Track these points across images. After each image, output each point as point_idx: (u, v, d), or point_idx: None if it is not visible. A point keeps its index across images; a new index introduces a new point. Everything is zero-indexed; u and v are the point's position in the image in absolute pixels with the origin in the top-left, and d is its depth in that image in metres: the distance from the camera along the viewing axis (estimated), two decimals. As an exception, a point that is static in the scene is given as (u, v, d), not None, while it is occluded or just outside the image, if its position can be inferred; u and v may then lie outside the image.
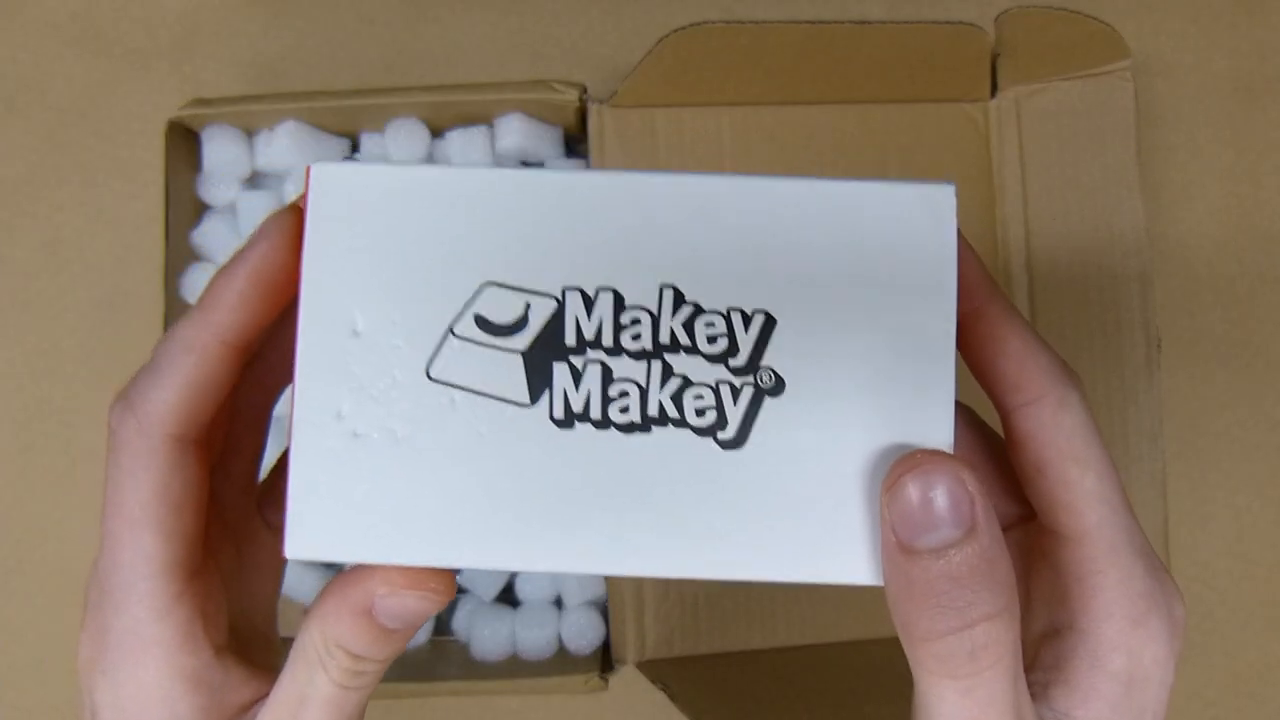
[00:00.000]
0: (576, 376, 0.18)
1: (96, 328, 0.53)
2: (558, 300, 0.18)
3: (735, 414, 0.18)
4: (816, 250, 0.17)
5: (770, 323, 0.18)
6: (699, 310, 0.18)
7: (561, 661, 0.48)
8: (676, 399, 0.18)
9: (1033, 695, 0.19)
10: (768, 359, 0.18)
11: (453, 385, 0.18)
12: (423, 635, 0.49)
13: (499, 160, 0.48)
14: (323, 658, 0.18)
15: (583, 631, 0.48)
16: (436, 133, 0.49)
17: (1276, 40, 0.56)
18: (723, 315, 0.18)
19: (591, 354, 0.18)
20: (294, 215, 0.19)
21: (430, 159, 0.49)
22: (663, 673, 0.45)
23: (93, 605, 0.21)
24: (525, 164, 0.50)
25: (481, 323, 0.17)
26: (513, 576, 0.50)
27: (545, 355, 0.18)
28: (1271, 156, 0.55)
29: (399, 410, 0.18)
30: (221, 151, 0.48)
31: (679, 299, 0.18)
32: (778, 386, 0.18)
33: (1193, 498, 0.54)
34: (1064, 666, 0.19)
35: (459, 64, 0.54)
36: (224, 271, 0.20)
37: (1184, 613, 0.19)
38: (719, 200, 0.17)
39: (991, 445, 0.23)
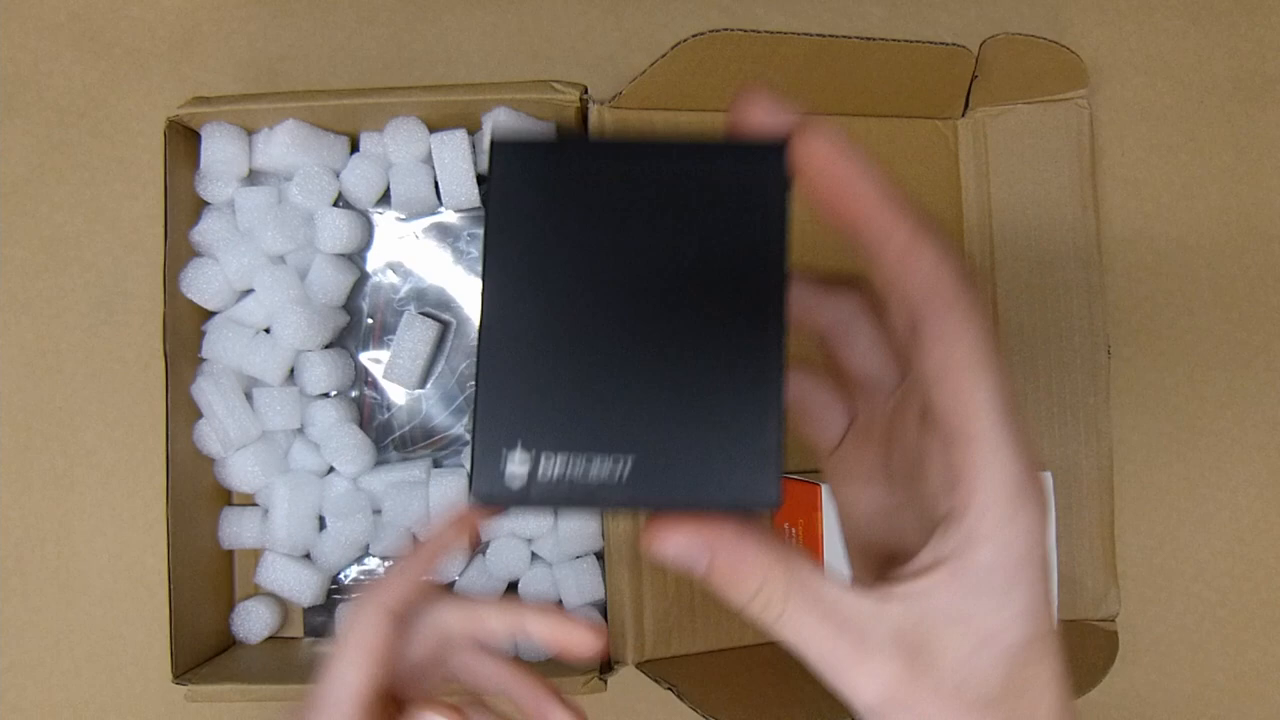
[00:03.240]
0: None
1: (96, 328, 0.53)
2: None
3: None
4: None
5: None
6: None
7: (561, 662, 0.48)
8: None
9: (900, 579, 0.22)
10: None
11: None
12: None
13: (485, 155, 0.48)
14: None
15: (582, 631, 0.48)
16: (436, 132, 0.49)
17: (1276, 40, 0.56)
18: None
19: None
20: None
21: (429, 159, 0.49)
22: (664, 671, 0.45)
23: (307, 709, 0.30)
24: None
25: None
26: (515, 580, 0.50)
27: None
28: (1271, 156, 0.55)
29: None
30: (219, 149, 0.48)
31: None
32: None
33: (1192, 498, 0.54)
34: (943, 552, 0.22)
35: (459, 64, 0.54)
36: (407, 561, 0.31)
37: (1047, 501, 0.23)
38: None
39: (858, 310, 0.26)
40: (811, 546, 0.43)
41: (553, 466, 0.21)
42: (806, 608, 0.22)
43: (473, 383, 0.50)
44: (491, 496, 0.21)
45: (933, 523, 0.23)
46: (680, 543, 0.22)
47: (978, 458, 0.21)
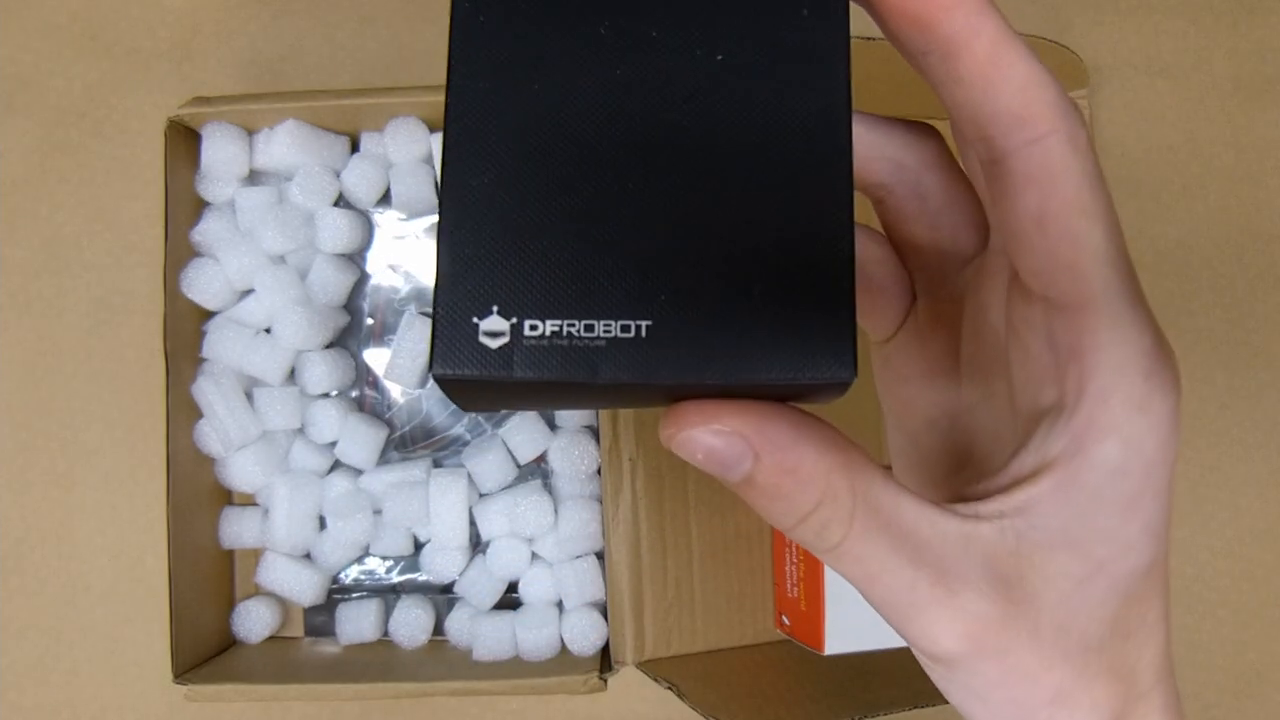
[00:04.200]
0: None
1: (96, 328, 0.53)
2: None
3: None
4: None
5: None
6: None
7: (562, 662, 0.48)
8: None
9: (990, 492, 0.17)
10: None
11: None
12: (422, 636, 0.49)
13: None
14: None
15: (585, 633, 0.48)
16: (436, 132, 0.49)
17: (1276, 40, 0.56)
18: None
19: None
20: None
21: (429, 158, 0.49)
22: (665, 671, 0.45)
23: None
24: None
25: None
26: (515, 580, 0.50)
27: None
28: (1271, 156, 0.55)
29: None
30: (220, 149, 0.48)
31: None
32: None
33: (1192, 497, 0.54)
34: (1049, 454, 0.17)
35: (459, 64, 0.54)
36: None
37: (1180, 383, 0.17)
38: None
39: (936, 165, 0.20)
40: (813, 565, 0.42)
41: (542, 329, 0.15)
42: (876, 532, 0.16)
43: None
44: (463, 365, 0.15)
45: (1029, 419, 0.18)
46: (714, 436, 0.16)
47: (1096, 326, 0.16)
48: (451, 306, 0.15)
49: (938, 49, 0.16)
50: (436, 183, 0.49)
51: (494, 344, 0.15)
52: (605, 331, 0.15)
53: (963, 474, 0.20)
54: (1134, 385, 0.16)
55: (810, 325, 0.15)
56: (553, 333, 0.15)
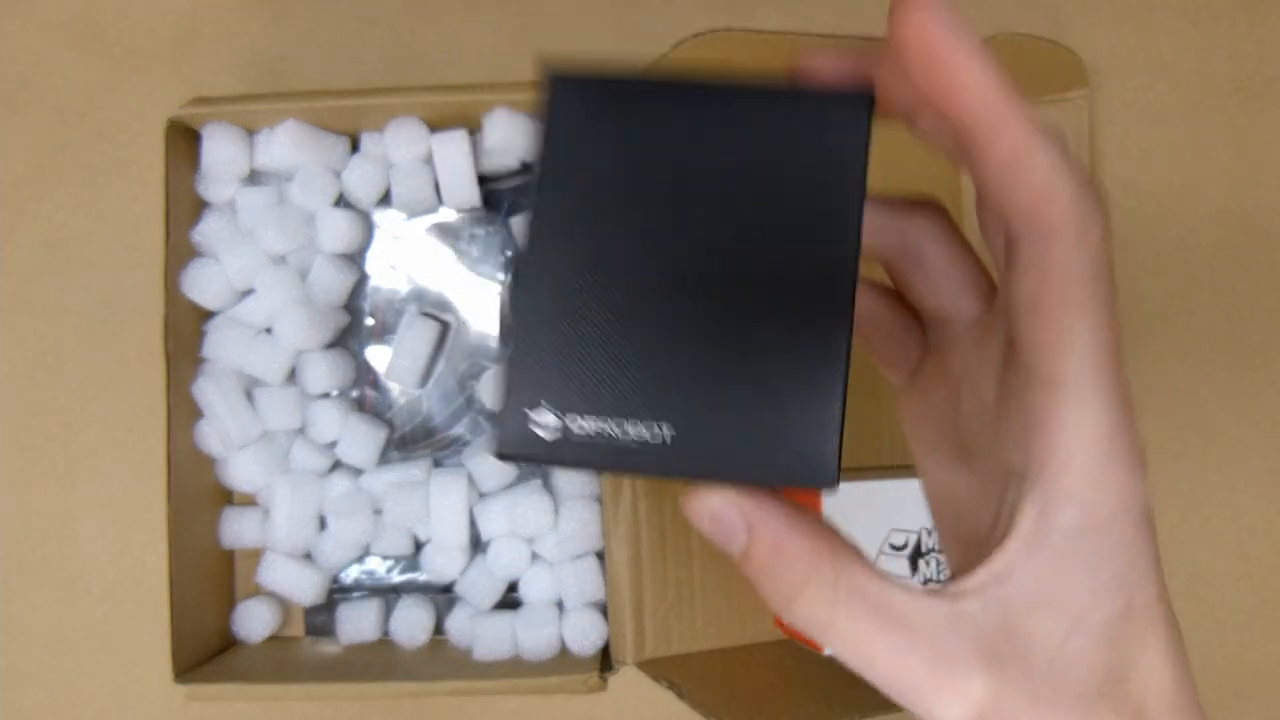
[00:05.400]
0: None
1: (96, 328, 0.53)
2: None
3: None
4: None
5: None
6: None
7: (562, 662, 0.48)
8: None
9: (974, 565, 0.18)
10: None
11: None
12: (422, 636, 0.49)
13: (486, 155, 0.48)
14: None
15: (585, 632, 0.48)
16: (436, 132, 0.49)
17: (1276, 40, 0.56)
18: None
19: None
20: None
21: (429, 159, 0.49)
22: (665, 671, 0.45)
23: None
24: (524, 164, 0.51)
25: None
26: (515, 580, 0.50)
27: None
28: (1271, 156, 0.55)
29: None
30: (220, 150, 0.48)
31: None
32: None
33: (1192, 497, 0.54)
34: (1019, 520, 0.18)
35: (459, 64, 0.54)
36: None
37: (1146, 462, 0.19)
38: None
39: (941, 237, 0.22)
40: None
41: (585, 426, 0.19)
42: (864, 614, 0.18)
43: (474, 381, 0.50)
44: (518, 448, 0.19)
45: (1004, 480, 0.19)
46: (716, 509, 0.19)
47: (1062, 406, 0.18)
48: (513, 395, 0.19)
49: (963, 139, 0.18)
50: (437, 185, 0.49)
51: (547, 435, 0.19)
52: (639, 436, 0.19)
53: (978, 538, 0.21)
54: (1092, 459, 0.18)
55: (804, 444, 0.19)
56: (596, 431, 0.19)
